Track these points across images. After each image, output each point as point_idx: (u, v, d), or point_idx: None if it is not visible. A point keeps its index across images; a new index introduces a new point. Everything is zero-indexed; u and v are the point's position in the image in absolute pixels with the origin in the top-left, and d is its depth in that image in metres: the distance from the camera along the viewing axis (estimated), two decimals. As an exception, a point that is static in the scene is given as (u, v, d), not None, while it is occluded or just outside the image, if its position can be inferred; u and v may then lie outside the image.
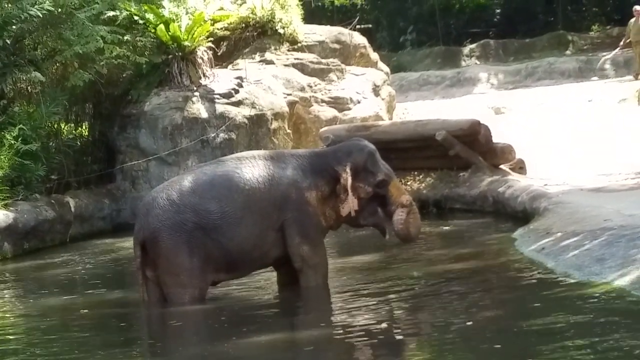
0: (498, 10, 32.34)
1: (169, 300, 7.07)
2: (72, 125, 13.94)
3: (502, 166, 11.85)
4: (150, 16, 13.53)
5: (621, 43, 22.90)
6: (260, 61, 15.10)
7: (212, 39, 14.58)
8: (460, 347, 5.50)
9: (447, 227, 10.53)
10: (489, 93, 23.53)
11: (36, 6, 12.18)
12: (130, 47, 13.20)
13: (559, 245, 7.60)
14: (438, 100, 22.22)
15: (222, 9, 15.19)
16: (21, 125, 11.95)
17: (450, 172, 11.94)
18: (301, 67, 15.22)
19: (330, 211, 7.33)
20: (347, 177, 7.23)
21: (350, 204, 7.26)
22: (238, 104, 13.67)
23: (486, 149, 11.81)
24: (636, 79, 21.54)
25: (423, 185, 12.00)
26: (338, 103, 15.04)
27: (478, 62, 28.10)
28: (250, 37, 15.63)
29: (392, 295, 7.24)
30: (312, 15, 20.79)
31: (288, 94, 14.44)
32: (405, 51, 30.49)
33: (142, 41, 13.42)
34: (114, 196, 13.34)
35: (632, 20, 22.32)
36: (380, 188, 7.38)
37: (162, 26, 13.42)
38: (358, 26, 17.39)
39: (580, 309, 5.90)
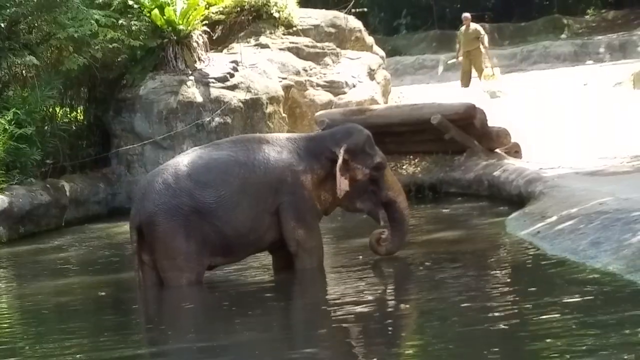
0: (493, -6, 32.18)
1: (166, 285, 7.08)
2: (67, 109, 13.91)
3: (497, 150, 11.84)
4: (145, 0, 13.48)
5: (457, 55, 20.79)
6: (255, 45, 15.06)
7: (207, 22, 14.55)
8: (457, 328, 5.52)
9: (444, 211, 10.54)
10: (484, 77, 23.43)
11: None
12: (125, 31, 13.16)
13: (554, 229, 7.61)
14: (433, 84, 22.18)
15: (216, -8, 15.13)
16: (15, 109, 11.94)
17: (446, 156, 11.94)
18: (296, 51, 15.18)
19: (326, 194, 7.34)
20: (340, 158, 7.23)
21: (339, 184, 7.24)
22: (233, 88, 13.65)
23: (481, 133, 11.80)
24: (465, 86, 19.83)
25: (418, 169, 12.00)
26: (333, 87, 15.00)
27: (473, 46, 27.99)
28: (246, 21, 15.57)
29: (388, 279, 7.26)
30: (307, -2, 20.68)
31: (283, 78, 14.40)
32: (400, 35, 30.40)
33: (136, 25, 13.35)
34: (109, 180, 13.34)
35: (462, 28, 20.46)
36: (377, 171, 7.44)
37: (156, 10, 13.38)
38: (353, 10, 17.30)
39: (575, 293, 5.91)
